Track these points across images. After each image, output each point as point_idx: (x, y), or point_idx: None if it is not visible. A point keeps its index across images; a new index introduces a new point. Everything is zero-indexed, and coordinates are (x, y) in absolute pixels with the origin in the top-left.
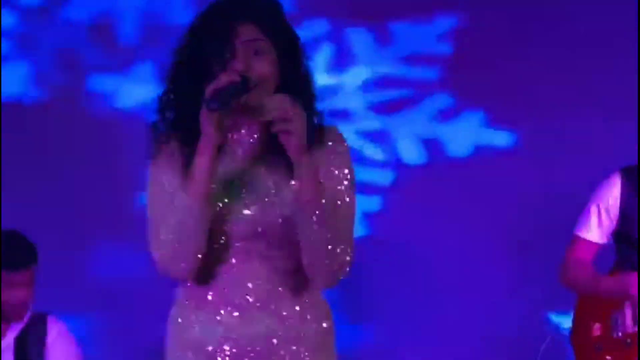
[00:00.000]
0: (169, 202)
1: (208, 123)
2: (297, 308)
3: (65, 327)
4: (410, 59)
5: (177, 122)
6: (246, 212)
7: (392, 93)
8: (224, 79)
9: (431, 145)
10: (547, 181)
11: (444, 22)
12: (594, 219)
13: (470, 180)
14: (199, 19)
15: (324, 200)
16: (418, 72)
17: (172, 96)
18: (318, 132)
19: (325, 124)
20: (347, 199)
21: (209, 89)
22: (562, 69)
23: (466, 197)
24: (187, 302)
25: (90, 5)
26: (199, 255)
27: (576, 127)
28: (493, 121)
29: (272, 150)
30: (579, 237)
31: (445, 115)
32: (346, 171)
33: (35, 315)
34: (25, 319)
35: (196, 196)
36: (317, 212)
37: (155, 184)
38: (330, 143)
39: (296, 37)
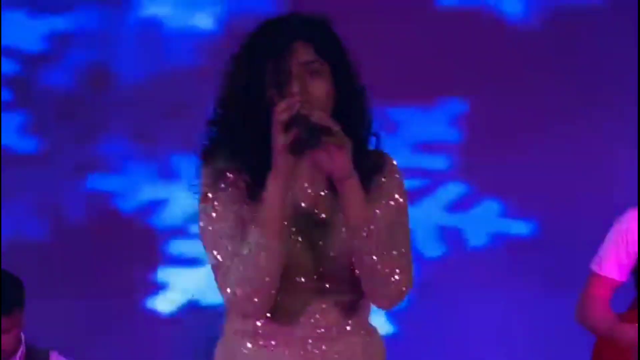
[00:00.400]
0: (240, 239)
1: (283, 161)
2: (354, 343)
3: None
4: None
5: (235, 152)
6: (303, 246)
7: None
8: (284, 115)
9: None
10: (566, 270)
11: (452, 108)
12: (612, 255)
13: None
14: (251, 40)
15: (372, 227)
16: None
17: (226, 123)
18: (374, 156)
19: (381, 150)
20: (402, 225)
21: (282, 138)
22: (574, 155)
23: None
24: (241, 335)
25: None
26: (274, 291)
27: (593, 215)
28: (510, 210)
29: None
30: (596, 274)
31: (461, 205)
32: (401, 199)
33: (34, 352)
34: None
35: (272, 234)
36: (366, 235)
37: (219, 220)
38: (384, 170)
39: (348, 53)
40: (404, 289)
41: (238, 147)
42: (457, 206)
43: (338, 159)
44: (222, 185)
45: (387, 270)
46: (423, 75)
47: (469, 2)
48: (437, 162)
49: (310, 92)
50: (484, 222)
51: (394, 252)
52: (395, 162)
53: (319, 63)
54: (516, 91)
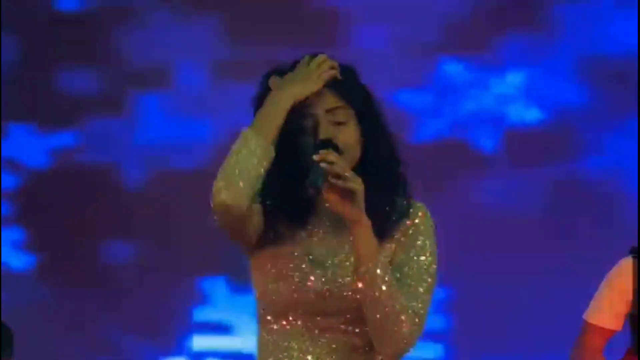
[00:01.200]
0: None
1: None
2: None
3: None
4: None
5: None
6: (316, 286)
7: None
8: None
9: None
10: None
11: None
12: (606, 304)
13: None
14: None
15: (379, 271)
16: None
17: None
18: (402, 202)
19: (410, 197)
20: (420, 274)
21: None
22: None
23: None
24: None
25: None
26: (244, 187)
27: None
28: None
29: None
30: (590, 324)
31: None
32: (426, 248)
33: None
34: None
35: (259, 134)
36: (372, 280)
37: None
38: (411, 215)
39: (373, 99)
40: (405, 341)
41: (267, 197)
42: None
43: (348, 203)
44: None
45: (391, 318)
46: None
47: None
48: None
49: (337, 138)
50: None
51: (403, 303)
52: (424, 209)
53: (345, 109)
54: None
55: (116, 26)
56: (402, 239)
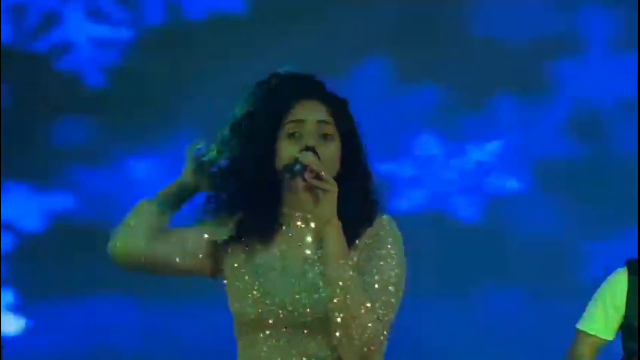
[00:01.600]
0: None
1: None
2: None
3: None
4: None
5: (242, 200)
6: (286, 299)
7: None
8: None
9: None
10: None
11: None
12: (600, 314)
13: None
14: (265, 93)
15: (347, 272)
16: None
17: (234, 172)
18: (369, 220)
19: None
20: (386, 281)
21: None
22: None
23: None
24: None
25: None
26: (151, 232)
27: None
28: None
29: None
30: (583, 333)
31: None
32: (391, 252)
33: None
34: None
35: (153, 200)
36: (342, 283)
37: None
38: (375, 230)
39: (359, 134)
40: (369, 346)
41: (249, 196)
42: None
43: (322, 202)
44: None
45: (356, 321)
46: None
47: None
48: None
49: (321, 151)
50: None
51: (368, 305)
52: (389, 220)
53: (332, 126)
54: None
55: None
56: (365, 250)
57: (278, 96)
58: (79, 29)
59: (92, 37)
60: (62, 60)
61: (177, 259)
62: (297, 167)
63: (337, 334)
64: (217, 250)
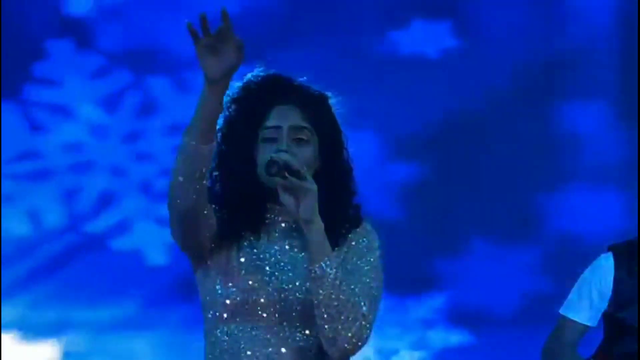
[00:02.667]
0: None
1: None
2: None
3: None
4: None
5: (226, 201)
6: (268, 289)
7: None
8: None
9: None
10: None
11: None
12: (584, 300)
13: None
14: (243, 98)
15: (330, 270)
16: None
17: (219, 174)
18: (354, 222)
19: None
20: (367, 282)
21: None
22: None
23: None
24: None
25: None
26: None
27: None
28: None
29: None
30: (566, 319)
31: None
32: (371, 259)
33: None
34: None
35: (192, 136)
36: (324, 278)
37: None
38: (358, 235)
39: (339, 132)
40: (354, 341)
41: (229, 199)
42: None
43: (303, 201)
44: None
45: (341, 318)
46: None
47: None
48: None
49: (296, 155)
50: None
51: (354, 300)
52: (371, 227)
53: (308, 130)
54: None
55: None
56: (348, 251)
57: (255, 102)
58: None
59: None
60: None
61: (208, 234)
62: (274, 168)
63: (325, 327)
64: (211, 238)
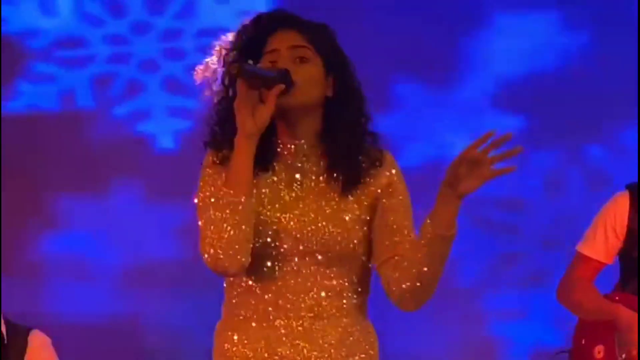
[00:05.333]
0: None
1: (243, 113)
2: (344, 330)
3: (48, 341)
4: None
5: (227, 133)
6: (298, 226)
7: None
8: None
9: None
10: None
11: None
12: (600, 237)
13: None
14: (243, 30)
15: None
16: None
17: (222, 108)
18: (373, 152)
19: (380, 148)
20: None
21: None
22: None
23: None
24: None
25: None
26: (250, 246)
27: None
28: None
29: (329, 167)
30: (583, 255)
31: None
32: (401, 197)
33: (14, 330)
34: None
35: (237, 190)
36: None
37: (206, 187)
38: (386, 169)
39: (345, 56)
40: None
41: (231, 131)
42: None
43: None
44: (214, 159)
45: (430, 288)
46: None
47: None
48: None
49: (296, 73)
50: None
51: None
52: (393, 159)
53: (309, 50)
54: None
55: None
56: (379, 190)
57: (257, 31)
58: None
59: None
60: None
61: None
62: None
63: (404, 286)
64: None
